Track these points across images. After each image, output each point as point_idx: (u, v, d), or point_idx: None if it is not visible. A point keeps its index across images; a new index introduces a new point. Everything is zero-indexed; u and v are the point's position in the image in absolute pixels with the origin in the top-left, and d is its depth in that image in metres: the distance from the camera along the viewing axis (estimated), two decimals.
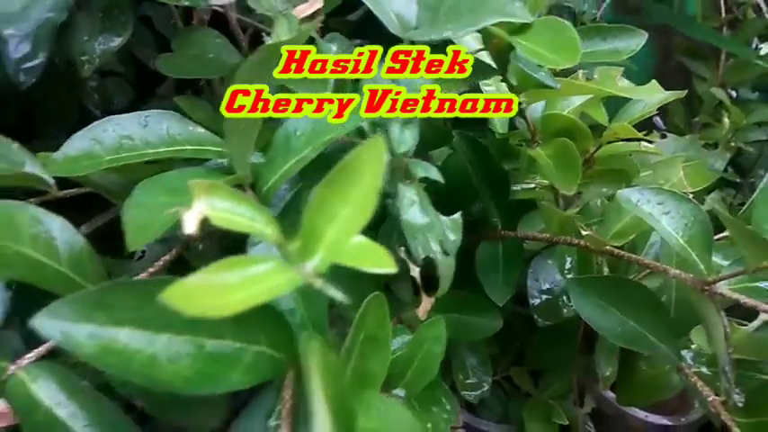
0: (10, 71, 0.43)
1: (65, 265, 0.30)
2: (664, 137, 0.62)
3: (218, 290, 0.17)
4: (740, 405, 0.39)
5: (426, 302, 0.39)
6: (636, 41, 0.48)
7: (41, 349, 0.30)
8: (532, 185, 0.49)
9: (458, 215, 0.31)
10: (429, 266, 0.37)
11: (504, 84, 0.36)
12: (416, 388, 0.34)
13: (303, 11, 0.39)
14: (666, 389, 0.56)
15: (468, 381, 0.54)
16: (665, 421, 0.59)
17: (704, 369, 0.44)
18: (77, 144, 0.33)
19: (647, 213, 0.37)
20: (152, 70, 0.51)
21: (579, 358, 0.56)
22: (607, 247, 0.42)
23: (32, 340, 0.31)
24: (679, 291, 0.43)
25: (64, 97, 0.55)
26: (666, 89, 0.43)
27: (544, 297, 0.51)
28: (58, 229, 0.31)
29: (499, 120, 0.48)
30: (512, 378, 0.60)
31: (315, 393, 0.19)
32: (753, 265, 0.33)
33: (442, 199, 0.51)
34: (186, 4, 0.43)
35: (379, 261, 0.22)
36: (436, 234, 0.32)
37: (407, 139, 0.27)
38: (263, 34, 0.41)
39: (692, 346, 0.47)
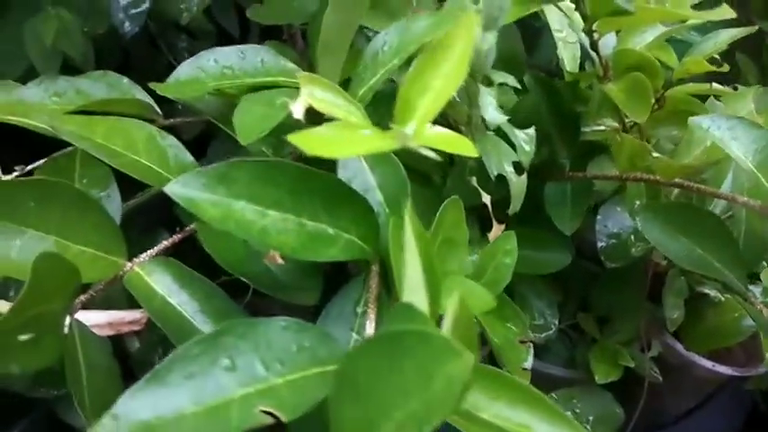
0: (117, 20, 0.48)
1: (173, 172, 0.34)
2: (735, 89, 0.62)
3: (334, 141, 0.20)
4: None
5: (497, 229, 0.41)
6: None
7: (154, 250, 0.34)
8: (602, 128, 0.50)
9: (531, 129, 0.33)
10: (500, 192, 0.40)
11: (577, 14, 0.38)
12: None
13: None
14: (734, 335, 0.56)
15: (536, 322, 0.56)
16: (732, 372, 0.59)
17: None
18: (185, 70, 0.37)
19: (718, 138, 0.38)
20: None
21: (646, 304, 0.57)
22: (677, 180, 0.43)
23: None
24: (749, 222, 0.44)
25: (158, 56, 0.59)
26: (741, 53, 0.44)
27: (612, 240, 0.52)
28: (169, 144, 0.35)
29: (569, 59, 0.49)
30: (577, 326, 0.61)
31: (409, 251, 0.22)
32: None
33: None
34: None
35: (461, 146, 0.24)
36: (508, 154, 0.34)
37: (489, 40, 0.29)
38: None
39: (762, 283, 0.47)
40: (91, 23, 0.52)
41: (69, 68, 0.50)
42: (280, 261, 0.29)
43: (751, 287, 0.47)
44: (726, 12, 0.38)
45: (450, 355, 0.16)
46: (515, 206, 0.36)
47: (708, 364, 0.61)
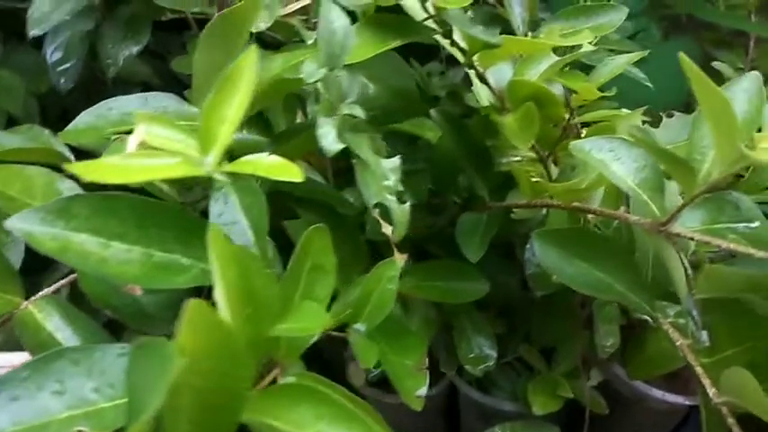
0: (54, 77, 0.51)
1: None
2: (671, 116, 0.63)
3: (123, 170, 0.22)
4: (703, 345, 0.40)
5: (398, 258, 0.42)
6: (617, 16, 0.51)
7: (48, 290, 0.36)
8: (518, 158, 0.51)
9: (396, 158, 0.35)
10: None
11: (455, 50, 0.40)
12: (374, 322, 0.37)
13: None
14: (673, 361, 0.55)
15: (471, 355, 0.56)
16: (684, 401, 0.58)
17: (681, 320, 0.45)
18: (84, 119, 0.39)
19: (599, 160, 0.39)
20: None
21: (584, 333, 0.56)
22: (575, 204, 0.44)
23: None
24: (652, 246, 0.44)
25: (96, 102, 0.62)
26: None
27: (537, 268, 0.53)
28: (67, 188, 0.37)
29: (485, 95, 0.51)
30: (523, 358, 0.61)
31: (214, 273, 0.23)
32: (688, 195, 0.35)
33: (437, 177, 0.55)
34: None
35: (288, 173, 0.26)
36: (387, 183, 0.36)
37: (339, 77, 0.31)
38: None
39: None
40: (34, 82, 0.55)
41: (14, 123, 0.54)
42: (138, 291, 0.30)
43: (669, 309, 0.47)
44: (585, 36, 0.40)
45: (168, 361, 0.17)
46: (399, 233, 0.37)
47: (658, 393, 0.60)
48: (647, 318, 0.56)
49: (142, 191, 0.40)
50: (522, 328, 0.62)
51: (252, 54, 0.23)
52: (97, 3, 0.48)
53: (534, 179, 0.42)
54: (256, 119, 0.42)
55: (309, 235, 0.32)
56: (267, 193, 0.43)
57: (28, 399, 0.24)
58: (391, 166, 0.34)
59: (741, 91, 0.36)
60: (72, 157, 0.43)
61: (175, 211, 0.29)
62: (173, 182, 0.41)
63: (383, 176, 0.33)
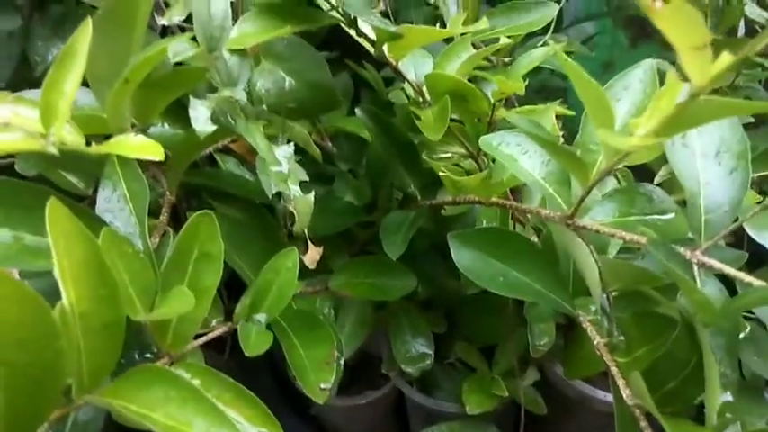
0: None
1: None
2: None
3: None
4: (620, 344, 0.39)
5: (313, 252, 0.42)
6: (548, 12, 0.51)
7: None
8: (449, 155, 0.51)
9: (290, 146, 0.35)
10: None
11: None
12: (275, 312, 0.36)
13: None
14: None
15: (408, 354, 0.55)
16: None
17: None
18: None
19: (507, 155, 0.39)
20: None
21: (520, 332, 0.56)
22: (494, 198, 0.43)
23: None
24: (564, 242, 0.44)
25: None
26: None
27: None
28: None
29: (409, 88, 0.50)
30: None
31: (52, 249, 0.23)
32: (582, 186, 0.34)
33: (371, 176, 0.54)
34: None
35: (152, 152, 0.26)
36: (295, 172, 0.36)
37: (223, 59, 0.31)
38: None
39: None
40: None
41: None
42: (15, 275, 0.30)
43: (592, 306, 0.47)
44: (481, 23, 0.40)
45: None
46: (303, 223, 0.36)
47: (601, 394, 0.59)
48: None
49: (49, 182, 0.40)
50: (463, 329, 0.61)
51: (85, 30, 0.23)
52: (21, 2, 0.49)
53: (449, 175, 0.41)
54: (175, 111, 0.42)
55: (195, 221, 0.32)
56: (184, 183, 0.43)
57: None
58: (284, 153, 0.34)
59: (637, 80, 0.36)
60: None
61: (49, 194, 0.28)
62: (78, 173, 0.40)
63: (274, 162, 0.33)
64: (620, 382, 0.38)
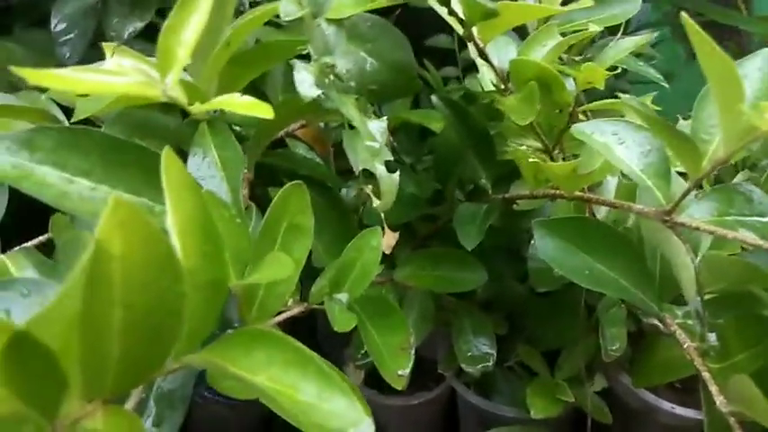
0: (56, 48, 0.51)
1: None
2: (687, 118, 0.61)
3: (73, 81, 0.21)
4: (713, 349, 0.37)
5: (389, 236, 0.41)
6: (630, 7, 0.49)
7: (26, 245, 0.36)
8: (523, 147, 0.50)
9: (383, 120, 0.33)
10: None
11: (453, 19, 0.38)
12: (357, 292, 0.35)
13: None
14: (684, 368, 0.52)
15: (470, 354, 0.54)
16: (697, 415, 0.55)
17: (690, 321, 0.42)
18: None
19: (602, 144, 0.37)
20: None
21: (590, 336, 0.54)
22: (578, 193, 0.42)
23: None
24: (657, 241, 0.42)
25: None
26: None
27: (542, 264, 0.51)
28: None
29: (488, 77, 0.49)
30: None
31: (167, 199, 0.22)
32: (693, 177, 0.32)
33: (439, 168, 0.53)
34: None
35: (259, 110, 0.25)
36: (372, 144, 0.35)
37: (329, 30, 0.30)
38: None
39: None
40: (41, 58, 0.56)
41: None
42: None
43: (678, 310, 0.45)
44: (583, 2, 0.39)
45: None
46: (387, 202, 0.35)
47: (667, 406, 0.57)
48: (658, 323, 0.54)
49: None
50: (524, 331, 0.59)
51: None
52: None
53: (532, 161, 0.40)
54: (251, 92, 0.42)
55: (286, 192, 0.31)
56: (258, 163, 0.42)
57: None
58: (378, 127, 0.33)
59: (755, 69, 0.34)
60: (65, 121, 0.43)
61: (145, 152, 0.28)
62: (161, 141, 0.40)
63: (369, 137, 0.32)
64: (713, 388, 0.36)
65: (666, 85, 0.63)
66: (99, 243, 0.16)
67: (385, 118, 0.34)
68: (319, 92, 0.30)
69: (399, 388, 0.35)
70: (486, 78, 0.51)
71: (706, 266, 0.34)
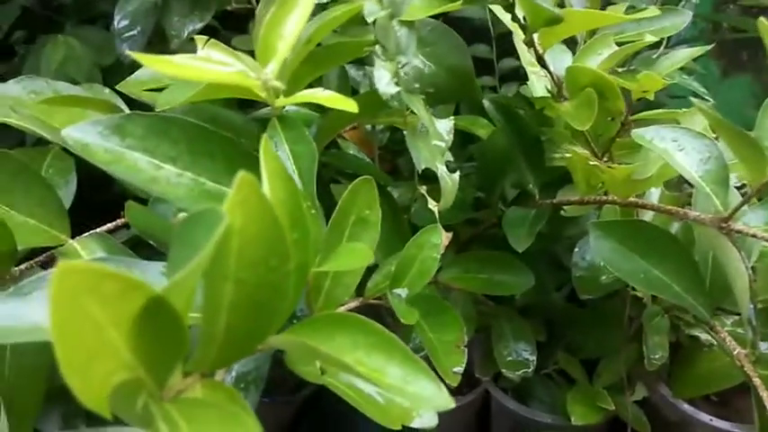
0: (119, 48, 0.52)
1: None
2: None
3: (181, 67, 0.22)
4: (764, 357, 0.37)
5: (444, 238, 0.41)
6: (680, 20, 0.50)
7: (97, 230, 0.36)
8: (570, 154, 0.50)
9: (450, 120, 0.34)
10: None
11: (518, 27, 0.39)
12: (416, 288, 0.36)
13: None
14: (725, 380, 0.52)
15: (510, 359, 0.54)
16: (732, 428, 0.55)
17: (739, 330, 0.42)
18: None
19: (663, 149, 0.37)
20: None
21: (631, 346, 0.54)
22: (631, 199, 0.42)
23: None
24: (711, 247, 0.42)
25: None
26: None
27: (585, 272, 0.51)
28: None
29: (540, 91, 0.50)
30: (564, 370, 0.59)
31: (264, 183, 0.23)
32: (755, 183, 0.33)
33: (485, 174, 0.54)
34: None
35: (344, 104, 0.26)
36: (440, 144, 0.35)
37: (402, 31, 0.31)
38: None
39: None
40: (99, 55, 0.57)
41: None
42: None
43: (725, 318, 0.45)
44: (651, 11, 0.39)
45: (214, 223, 0.16)
46: (447, 202, 0.36)
47: (705, 418, 0.57)
48: (699, 335, 0.54)
49: None
50: (563, 339, 0.59)
51: None
52: None
53: (593, 164, 0.40)
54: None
55: (356, 186, 0.32)
56: None
57: None
58: (446, 127, 0.34)
59: None
60: (127, 110, 0.44)
61: (229, 142, 0.29)
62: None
63: (437, 136, 0.33)
64: (765, 395, 0.36)
65: (711, 100, 0.64)
66: (228, 213, 0.17)
67: (452, 118, 0.35)
68: (398, 89, 0.30)
69: (454, 385, 0.35)
70: (536, 85, 0.52)
71: (761, 274, 0.35)
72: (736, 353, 0.37)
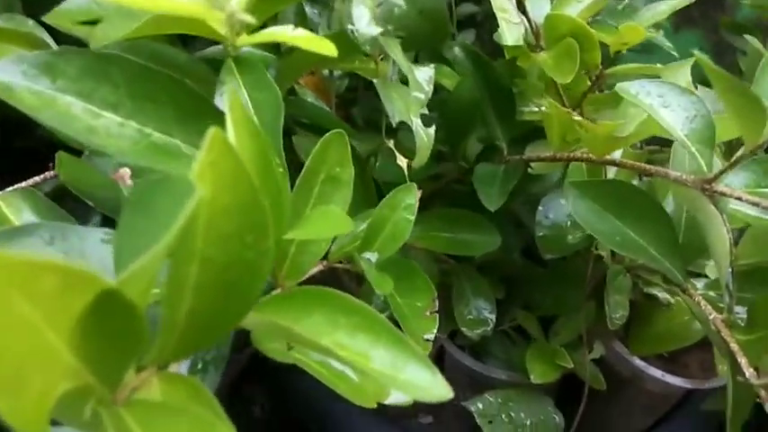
0: None
1: None
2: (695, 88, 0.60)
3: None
4: (741, 322, 0.37)
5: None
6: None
7: (21, 184, 0.32)
8: (541, 108, 0.48)
9: (431, 68, 0.31)
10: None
11: None
12: (387, 252, 0.33)
13: None
14: (683, 338, 0.53)
15: (470, 317, 0.53)
16: (683, 383, 0.56)
17: (711, 293, 0.42)
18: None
19: (648, 105, 0.35)
20: None
21: (591, 305, 0.53)
22: (608, 157, 0.40)
23: None
24: (688, 211, 0.41)
25: None
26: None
27: (550, 231, 0.50)
28: None
29: (512, 40, 0.47)
30: (521, 328, 0.58)
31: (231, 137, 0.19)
32: (750, 143, 0.31)
33: (451, 126, 0.51)
34: None
35: (320, 45, 0.22)
36: (415, 104, 0.32)
37: None
38: None
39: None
40: None
41: None
42: (128, 182, 0.26)
43: (693, 280, 0.44)
44: None
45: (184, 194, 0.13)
46: (421, 158, 0.33)
47: (657, 373, 0.57)
48: (657, 294, 0.54)
49: None
50: (520, 296, 0.58)
51: None
52: None
53: (576, 119, 0.38)
54: None
55: (326, 141, 0.28)
56: None
57: None
58: (425, 76, 0.30)
59: None
60: (54, 46, 0.38)
61: (179, 85, 0.24)
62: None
63: (416, 86, 0.29)
64: (743, 360, 0.35)
65: (677, 55, 0.62)
66: (197, 178, 0.13)
67: (432, 66, 0.31)
68: (380, 30, 0.27)
69: (426, 352, 0.33)
70: (507, 33, 0.49)
71: (752, 239, 0.34)
72: (712, 317, 0.36)
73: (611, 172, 0.48)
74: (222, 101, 0.28)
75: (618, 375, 0.59)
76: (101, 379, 0.14)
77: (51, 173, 0.32)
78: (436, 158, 0.53)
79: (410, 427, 0.70)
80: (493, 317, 0.53)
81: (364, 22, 0.26)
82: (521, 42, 0.45)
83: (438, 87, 0.52)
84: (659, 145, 0.60)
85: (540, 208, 0.51)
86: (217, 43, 0.38)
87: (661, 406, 0.64)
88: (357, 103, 0.59)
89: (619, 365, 0.58)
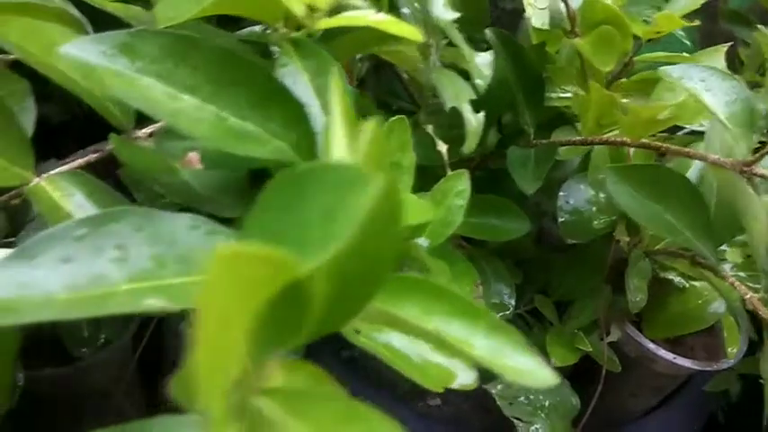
0: None
1: None
2: None
3: None
4: None
5: None
6: None
7: (67, 166, 0.31)
8: (567, 94, 0.48)
9: (490, 52, 0.31)
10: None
11: None
12: (439, 238, 0.33)
13: None
14: (697, 322, 0.54)
15: (493, 301, 0.53)
16: (692, 365, 0.57)
17: (742, 273, 0.43)
18: None
19: (691, 88, 0.36)
20: None
21: (607, 290, 0.54)
22: (644, 140, 0.41)
23: None
24: (720, 191, 0.42)
25: None
26: None
27: (573, 216, 0.50)
28: None
29: (538, 24, 0.47)
30: (536, 312, 0.58)
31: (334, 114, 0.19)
32: None
33: (481, 104, 0.51)
34: None
35: (405, 30, 0.22)
36: (465, 91, 0.32)
37: None
38: None
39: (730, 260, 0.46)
40: None
41: None
42: (198, 165, 0.26)
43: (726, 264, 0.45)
44: None
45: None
46: (471, 144, 0.33)
47: (669, 356, 0.58)
48: (672, 278, 0.55)
49: None
50: (535, 281, 0.59)
51: None
52: None
53: (624, 101, 0.38)
54: None
55: (389, 127, 0.28)
56: None
57: (84, 262, 0.19)
58: (485, 61, 0.30)
59: None
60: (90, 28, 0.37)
61: (257, 69, 0.24)
62: None
63: (478, 73, 0.29)
64: None
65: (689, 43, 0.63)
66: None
67: (491, 51, 0.31)
68: (457, 15, 0.26)
69: (462, 294, 0.33)
70: (534, 19, 0.49)
71: None
72: (748, 297, 0.37)
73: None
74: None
75: (628, 357, 0.60)
76: (254, 367, 0.14)
77: (93, 153, 0.31)
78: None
79: (419, 409, 0.70)
80: (512, 301, 0.53)
81: (440, 6, 0.26)
82: (547, 27, 0.45)
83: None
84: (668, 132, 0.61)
85: (561, 193, 0.51)
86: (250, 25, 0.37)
87: (668, 387, 0.65)
88: (364, 85, 0.58)
89: (627, 348, 0.59)
